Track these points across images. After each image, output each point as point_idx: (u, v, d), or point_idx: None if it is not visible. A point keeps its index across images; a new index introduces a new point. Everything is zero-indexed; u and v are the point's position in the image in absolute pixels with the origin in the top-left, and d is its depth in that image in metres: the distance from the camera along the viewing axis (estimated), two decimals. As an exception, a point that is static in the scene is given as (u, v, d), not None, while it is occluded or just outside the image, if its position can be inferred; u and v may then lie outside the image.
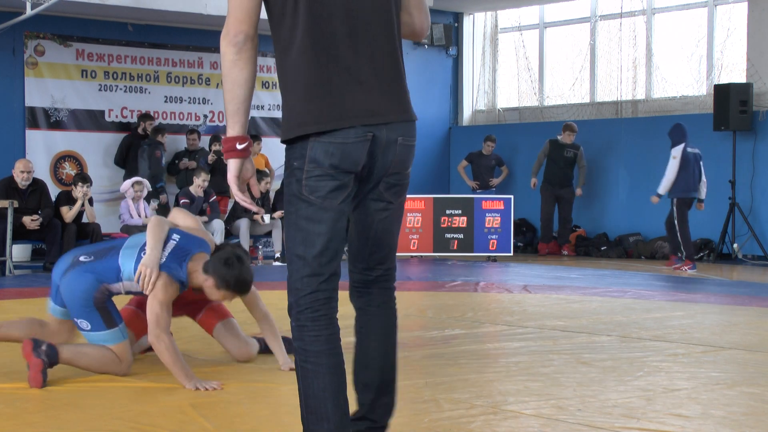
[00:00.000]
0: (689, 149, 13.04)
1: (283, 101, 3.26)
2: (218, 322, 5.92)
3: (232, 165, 3.24)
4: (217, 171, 15.06)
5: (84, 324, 5.37)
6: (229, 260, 5.26)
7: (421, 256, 14.87)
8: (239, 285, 5.31)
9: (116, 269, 5.37)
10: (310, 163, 3.17)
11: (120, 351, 5.37)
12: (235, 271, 5.26)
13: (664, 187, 13.07)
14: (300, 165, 3.19)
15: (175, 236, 5.42)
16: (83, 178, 13.07)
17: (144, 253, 5.31)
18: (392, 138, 3.26)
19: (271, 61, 16.96)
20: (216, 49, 16.41)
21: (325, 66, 3.16)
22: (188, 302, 5.85)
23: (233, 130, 3.22)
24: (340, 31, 3.17)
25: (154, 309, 5.22)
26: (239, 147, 3.22)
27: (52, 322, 5.59)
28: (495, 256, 14.78)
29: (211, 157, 15.12)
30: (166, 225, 5.45)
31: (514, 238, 15.08)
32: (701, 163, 13.17)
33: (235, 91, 3.17)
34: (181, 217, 5.70)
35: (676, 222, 13.05)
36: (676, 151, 13.00)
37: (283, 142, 3.27)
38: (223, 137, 3.30)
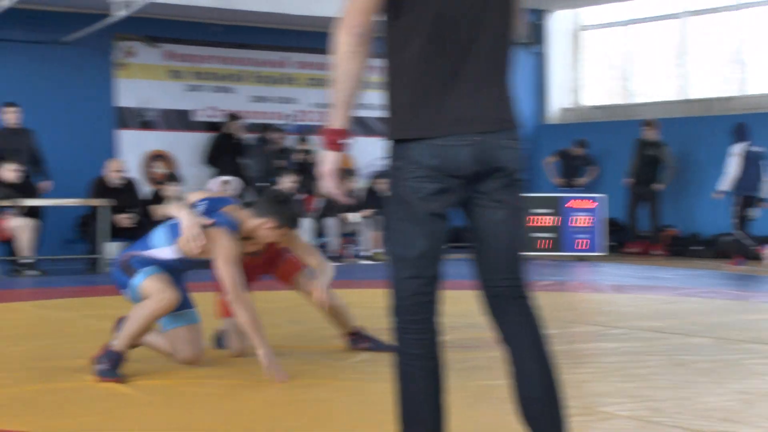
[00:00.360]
0: (752, 148, 13.56)
1: (389, 100, 3.19)
2: (296, 272, 6.00)
3: (330, 158, 3.17)
4: (305, 170, 15.14)
5: (126, 293, 5.48)
6: (279, 197, 5.50)
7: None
8: (295, 219, 5.51)
9: (145, 240, 5.54)
10: (412, 164, 3.12)
11: (151, 286, 5.33)
12: (289, 207, 5.46)
13: (724, 183, 13.70)
14: (402, 165, 3.14)
15: (200, 204, 5.52)
16: (173, 177, 13.25)
17: (170, 224, 5.45)
18: (498, 141, 3.19)
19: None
20: (299, 49, 16.53)
21: (436, 70, 3.11)
22: (253, 268, 5.89)
23: (337, 122, 3.15)
24: (455, 37, 3.12)
25: (226, 270, 5.22)
26: (340, 142, 3.16)
27: (169, 339, 5.63)
28: (585, 256, 14.62)
29: (298, 157, 15.19)
30: (184, 202, 5.58)
31: (604, 238, 14.91)
32: (761, 162, 13.57)
33: (347, 83, 3.11)
34: (195, 195, 5.79)
35: (733, 218, 13.58)
36: (737, 149, 13.57)
37: (386, 140, 3.21)
38: (324, 128, 3.22)
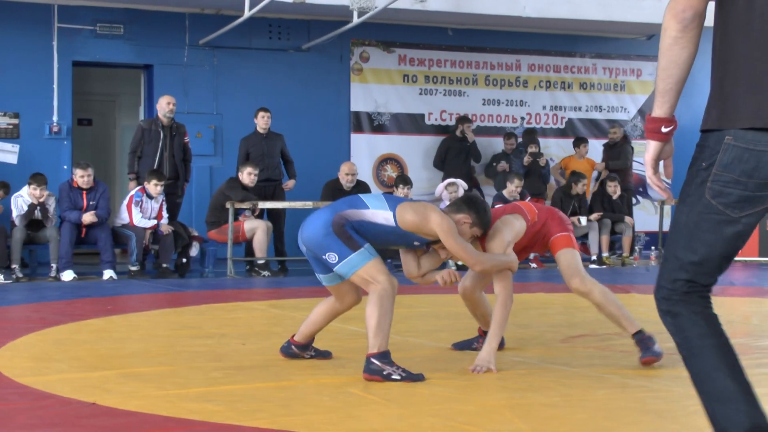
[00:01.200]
0: None
1: (711, 90, 3.04)
2: (561, 249, 6.05)
3: (652, 146, 3.07)
4: (532, 173, 15.07)
5: (331, 257, 5.35)
6: (478, 200, 5.69)
7: (745, 261, 14.23)
8: (488, 223, 5.67)
9: (353, 200, 5.49)
10: (719, 166, 2.94)
11: (373, 269, 5.31)
12: (486, 211, 5.63)
13: None
14: (707, 166, 2.97)
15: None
16: (404, 180, 13.47)
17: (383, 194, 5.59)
18: None
19: (589, 62, 16.77)
20: (534, 51, 16.44)
21: (755, 58, 2.91)
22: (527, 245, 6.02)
23: (661, 110, 3.04)
24: None
25: (457, 248, 5.41)
26: (664, 130, 3.04)
27: (333, 292, 5.74)
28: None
29: (526, 159, 15.14)
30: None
31: None
32: None
33: (671, 70, 2.98)
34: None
35: None
36: None
37: (700, 131, 3.05)
38: (647, 116, 3.11)
